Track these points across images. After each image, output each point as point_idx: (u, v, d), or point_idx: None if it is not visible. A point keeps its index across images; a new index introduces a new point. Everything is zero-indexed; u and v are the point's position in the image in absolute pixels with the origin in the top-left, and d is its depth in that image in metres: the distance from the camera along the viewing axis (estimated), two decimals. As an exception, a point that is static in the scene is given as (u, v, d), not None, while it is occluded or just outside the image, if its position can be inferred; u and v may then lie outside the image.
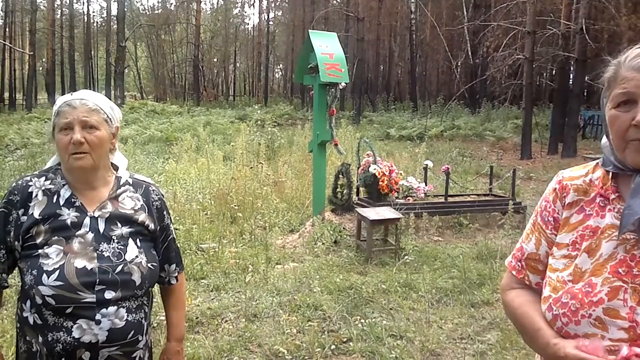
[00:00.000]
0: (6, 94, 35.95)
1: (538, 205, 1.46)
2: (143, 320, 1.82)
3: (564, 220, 1.36)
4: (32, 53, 31.21)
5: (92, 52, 47.27)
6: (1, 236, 1.72)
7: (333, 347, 3.94)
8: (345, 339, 4.08)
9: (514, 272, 1.48)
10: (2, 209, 1.74)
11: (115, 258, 1.72)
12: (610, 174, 1.29)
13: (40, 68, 44.23)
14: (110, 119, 1.82)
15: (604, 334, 1.18)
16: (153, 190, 1.93)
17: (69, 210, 1.75)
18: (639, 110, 1.19)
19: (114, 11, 34.12)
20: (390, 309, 4.70)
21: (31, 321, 1.71)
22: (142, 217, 1.84)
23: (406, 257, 5.98)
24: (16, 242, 1.72)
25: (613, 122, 1.24)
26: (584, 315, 1.20)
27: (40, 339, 1.70)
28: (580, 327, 1.21)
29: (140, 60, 54.55)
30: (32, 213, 1.72)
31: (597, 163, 1.36)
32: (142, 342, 1.83)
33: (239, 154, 9.66)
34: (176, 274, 2.02)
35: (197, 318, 4.36)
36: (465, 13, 28.24)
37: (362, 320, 4.37)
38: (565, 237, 1.33)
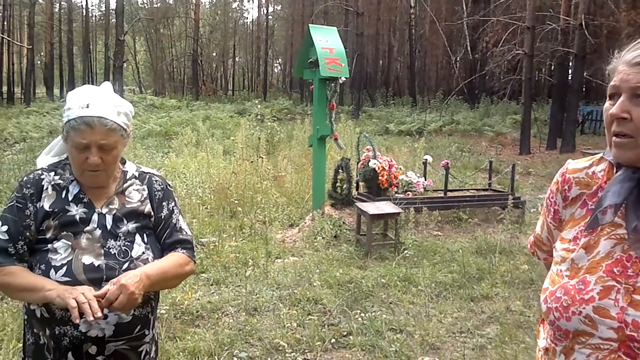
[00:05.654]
0: (4, 88, 35.81)
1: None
2: (150, 315, 1.83)
3: (569, 216, 1.36)
4: (30, 47, 31.11)
5: (91, 46, 47.12)
6: (20, 230, 1.70)
7: (333, 340, 3.96)
8: (345, 333, 4.09)
9: (528, 246, 1.66)
10: (16, 204, 1.73)
11: (122, 256, 1.73)
12: (615, 168, 1.28)
13: (39, 62, 44.14)
14: (126, 131, 1.78)
15: (594, 332, 1.18)
16: (156, 180, 1.93)
17: (77, 206, 1.76)
18: (616, 103, 1.20)
19: (113, 5, 33.97)
20: (390, 303, 4.71)
21: (38, 314, 1.72)
22: (147, 208, 1.85)
23: (406, 251, 5.99)
24: (35, 236, 1.72)
25: (604, 115, 1.25)
26: (574, 312, 1.20)
27: (47, 332, 1.71)
28: (570, 323, 1.21)
29: (139, 55, 54.44)
30: (43, 205, 1.73)
31: (602, 155, 1.35)
32: (149, 336, 1.84)
33: (239, 148, 9.65)
34: (183, 251, 1.88)
35: (197, 312, 4.37)
36: (464, 8, 28.17)
37: (362, 314, 4.39)
38: (569, 233, 1.33)
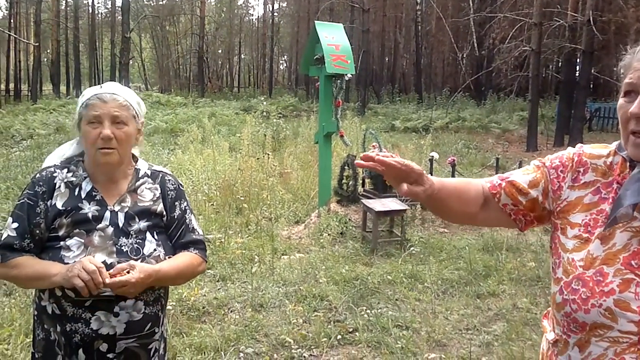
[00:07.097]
0: (11, 85, 35.92)
1: (552, 158, 1.42)
2: (160, 313, 1.84)
3: (576, 199, 1.34)
4: (37, 44, 31.17)
5: (97, 43, 47.15)
6: (27, 227, 1.72)
7: (339, 337, 3.96)
8: (351, 329, 4.09)
9: (488, 185, 1.47)
10: (27, 201, 1.75)
11: (134, 254, 1.74)
12: (628, 163, 1.28)
13: (45, 59, 44.28)
14: (137, 115, 1.83)
15: (613, 325, 1.18)
16: (168, 180, 1.94)
17: (89, 203, 1.77)
18: (636, 102, 1.19)
19: (119, 2, 34.16)
20: (396, 299, 4.71)
21: (50, 311, 1.73)
22: (160, 207, 1.86)
23: (412, 248, 5.98)
24: (46, 234, 1.74)
25: (619, 111, 1.25)
26: (594, 304, 1.20)
27: (58, 328, 1.72)
28: (589, 315, 1.21)
29: (145, 52, 54.55)
30: (55, 204, 1.74)
31: (615, 149, 1.34)
32: (158, 333, 1.85)
33: (245, 145, 9.66)
34: (196, 252, 1.91)
35: (203, 308, 4.38)
36: (471, 4, 28.00)
37: (368, 311, 4.38)
38: (578, 217, 1.32)
